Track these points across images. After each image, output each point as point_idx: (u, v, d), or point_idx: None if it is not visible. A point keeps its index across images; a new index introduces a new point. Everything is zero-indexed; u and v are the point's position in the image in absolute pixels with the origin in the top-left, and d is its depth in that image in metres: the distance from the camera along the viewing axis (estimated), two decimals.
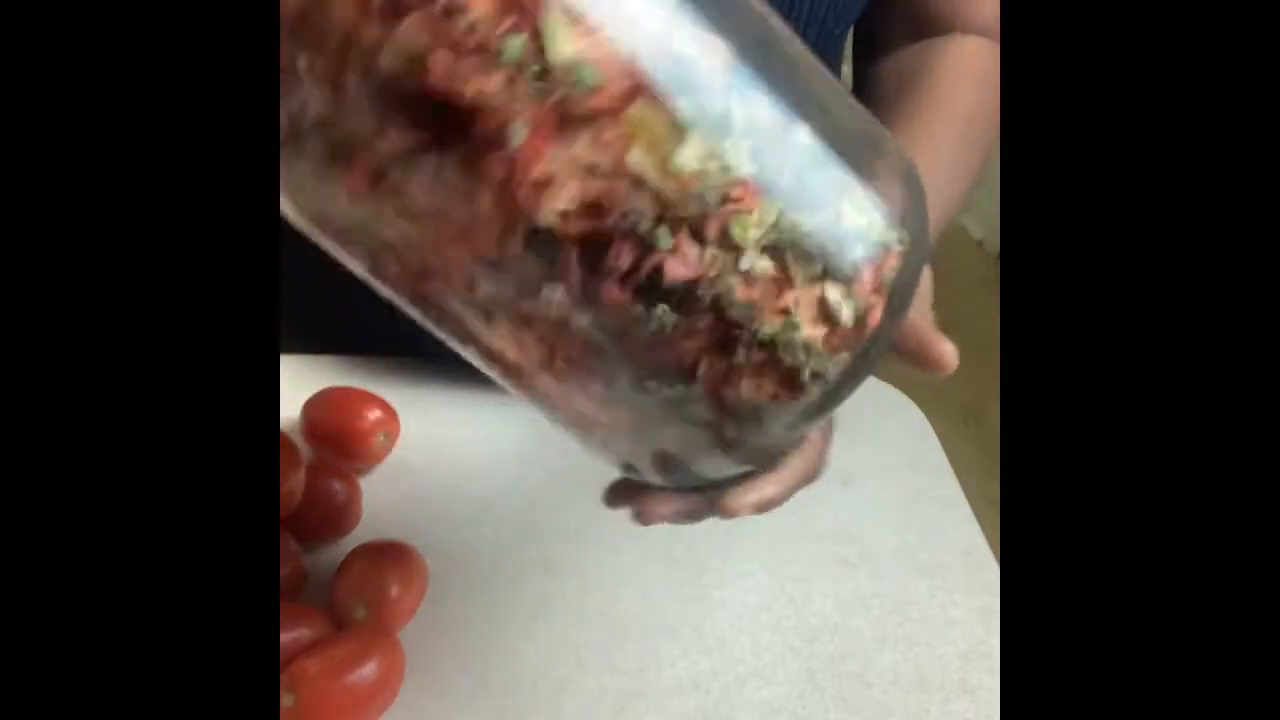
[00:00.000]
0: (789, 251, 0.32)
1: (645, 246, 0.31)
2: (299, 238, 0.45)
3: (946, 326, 0.41)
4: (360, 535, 0.60)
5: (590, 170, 0.30)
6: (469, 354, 0.38)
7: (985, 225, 2.40)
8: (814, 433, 0.40)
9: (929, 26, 0.64)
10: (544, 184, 0.30)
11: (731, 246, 0.31)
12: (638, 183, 0.30)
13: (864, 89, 0.67)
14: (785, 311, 0.32)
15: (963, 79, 0.61)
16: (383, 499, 0.63)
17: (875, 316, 0.33)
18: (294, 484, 0.57)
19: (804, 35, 0.58)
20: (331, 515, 0.60)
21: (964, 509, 0.68)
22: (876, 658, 0.57)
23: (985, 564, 0.64)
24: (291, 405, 0.64)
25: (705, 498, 0.42)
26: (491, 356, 0.37)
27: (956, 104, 0.60)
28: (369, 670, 0.50)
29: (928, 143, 0.57)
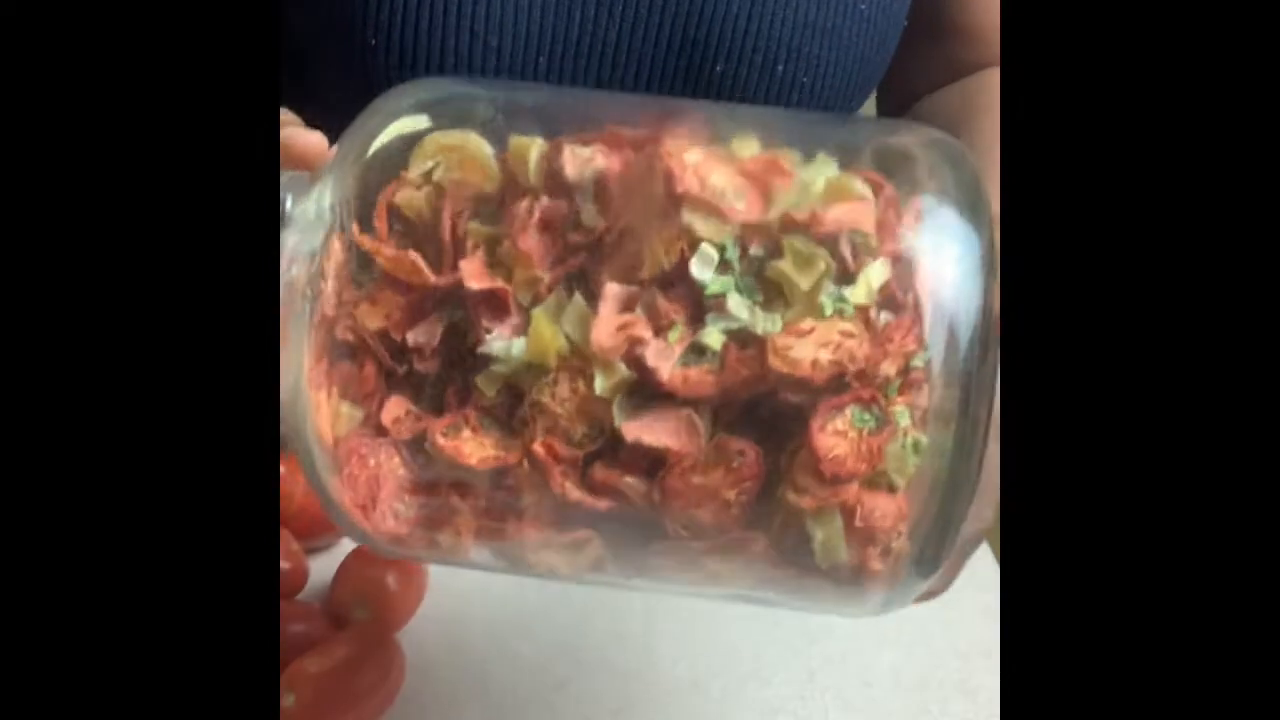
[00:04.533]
0: None
1: None
2: None
3: None
4: None
5: None
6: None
7: None
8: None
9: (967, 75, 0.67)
10: None
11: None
12: None
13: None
14: None
15: (995, 106, 0.62)
16: None
17: None
18: (294, 484, 0.57)
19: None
20: None
21: None
22: (876, 658, 0.57)
23: (985, 564, 0.64)
24: None
25: None
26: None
27: (986, 132, 0.61)
28: (369, 670, 0.50)
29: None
